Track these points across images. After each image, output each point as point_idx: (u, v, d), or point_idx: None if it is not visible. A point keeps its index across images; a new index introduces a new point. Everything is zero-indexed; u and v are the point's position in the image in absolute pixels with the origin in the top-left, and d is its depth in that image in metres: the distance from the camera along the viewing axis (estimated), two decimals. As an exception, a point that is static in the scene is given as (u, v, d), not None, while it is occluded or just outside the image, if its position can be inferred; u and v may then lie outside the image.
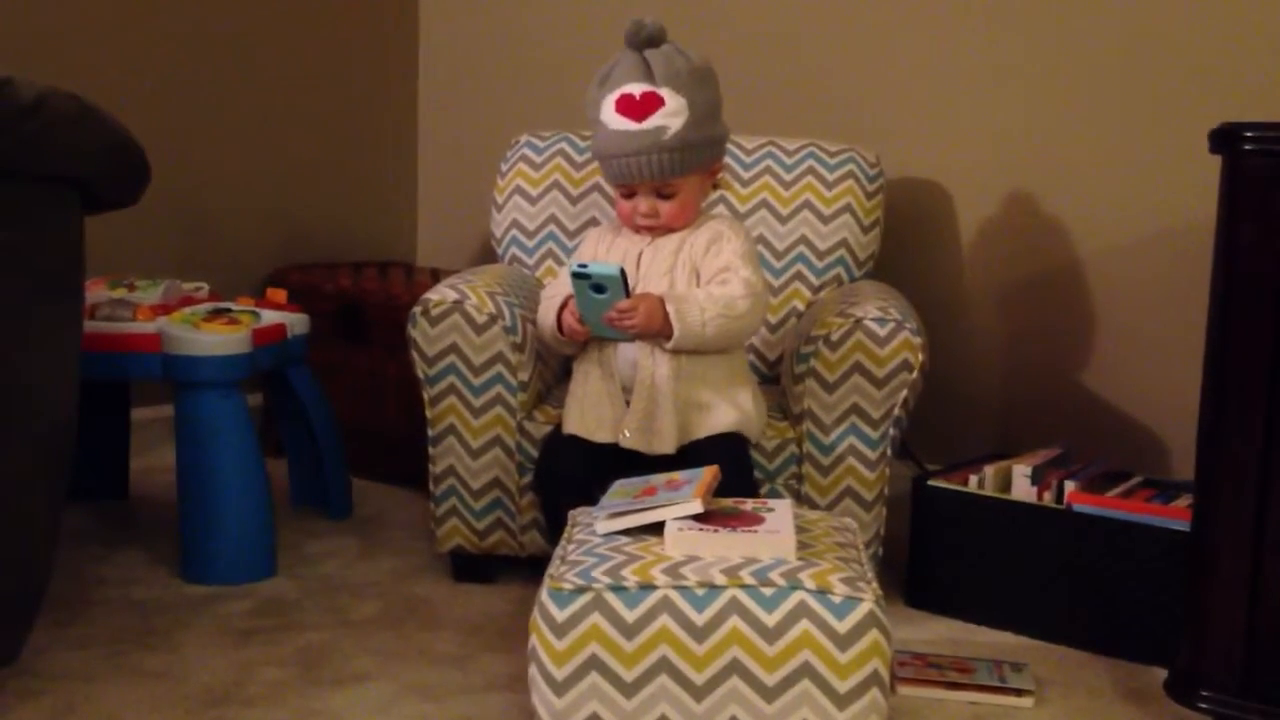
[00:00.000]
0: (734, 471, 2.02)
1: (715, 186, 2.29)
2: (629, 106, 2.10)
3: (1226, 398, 1.85)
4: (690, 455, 2.05)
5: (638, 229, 2.19)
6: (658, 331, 2.05)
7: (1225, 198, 1.83)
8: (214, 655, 2.01)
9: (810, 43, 2.93)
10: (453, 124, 3.59)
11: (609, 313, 2.03)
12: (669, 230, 2.17)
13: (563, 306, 2.14)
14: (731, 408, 2.12)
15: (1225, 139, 1.81)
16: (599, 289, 2.02)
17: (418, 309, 2.26)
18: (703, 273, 2.14)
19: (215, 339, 2.28)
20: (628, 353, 2.12)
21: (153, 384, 2.39)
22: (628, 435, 2.07)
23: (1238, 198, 1.81)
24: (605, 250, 2.22)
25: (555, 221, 2.59)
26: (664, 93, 2.08)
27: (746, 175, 2.58)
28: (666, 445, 2.06)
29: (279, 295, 2.66)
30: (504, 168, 2.67)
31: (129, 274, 2.64)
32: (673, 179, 2.12)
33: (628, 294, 2.02)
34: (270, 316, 2.48)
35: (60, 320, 1.85)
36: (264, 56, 3.31)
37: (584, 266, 2.02)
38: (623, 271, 2.01)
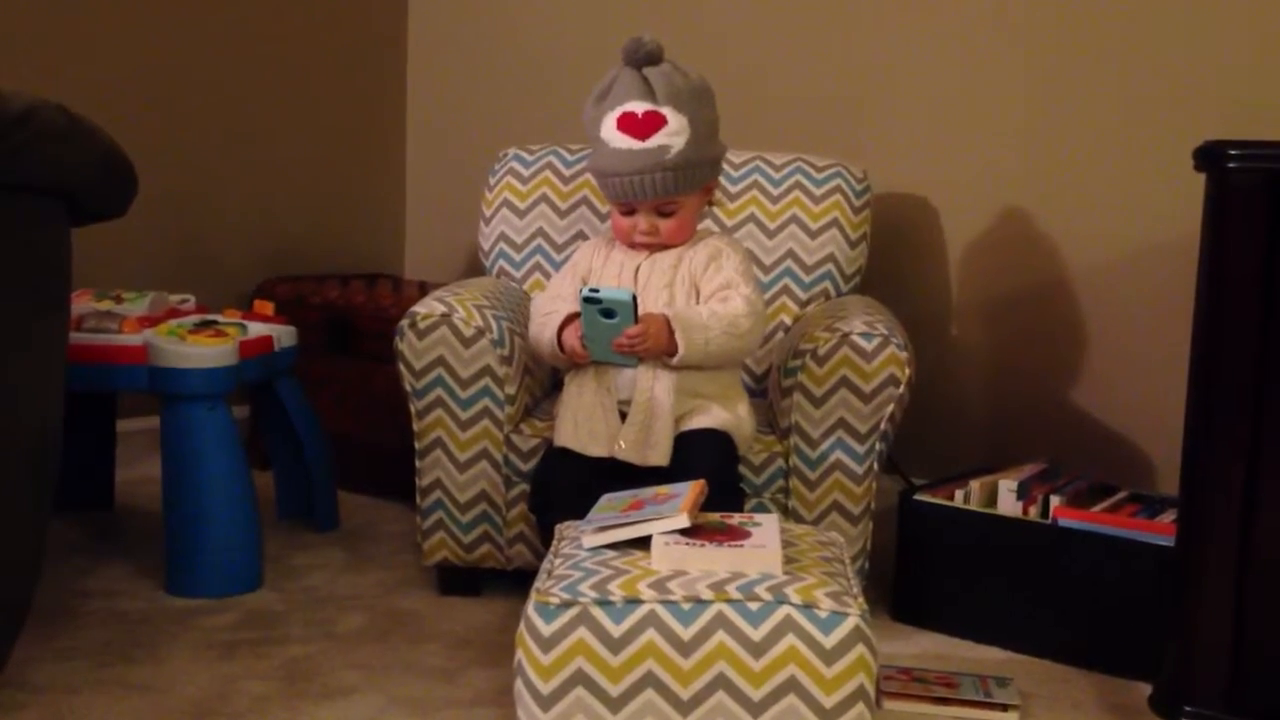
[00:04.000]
0: (718, 465, 2.04)
1: (710, 204, 2.30)
2: (631, 125, 2.10)
3: (1211, 412, 1.85)
4: (677, 447, 2.06)
5: (635, 245, 2.19)
6: (662, 351, 2.06)
7: (1210, 214, 1.84)
8: (199, 668, 2.00)
9: (798, 58, 2.94)
10: (440, 136, 3.59)
11: (619, 339, 2.03)
12: (666, 247, 2.18)
13: (563, 325, 2.13)
14: (724, 411, 2.13)
15: (1210, 156, 1.82)
16: (608, 314, 2.01)
17: (405, 322, 2.26)
18: (703, 289, 2.15)
19: (201, 351, 2.28)
20: (626, 368, 2.11)
21: (138, 395, 2.38)
22: (623, 446, 2.07)
23: (1222, 214, 1.82)
24: (602, 263, 2.22)
25: (543, 235, 2.60)
26: (666, 111, 2.09)
27: (734, 189, 2.58)
28: (661, 458, 2.06)
29: (266, 307, 2.65)
30: (492, 180, 2.67)
31: (115, 286, 2.64)
32: (674, 197, 2.13)
33: (636, 319, 2.03)
34: (257, 329, 2.48)
35: (46, 332, 1.85)
36: (251, 68, 3.31)
37: (595, 291, 2.01)
38: (634, 297, 2.01)
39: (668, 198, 2.12)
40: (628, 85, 2.10)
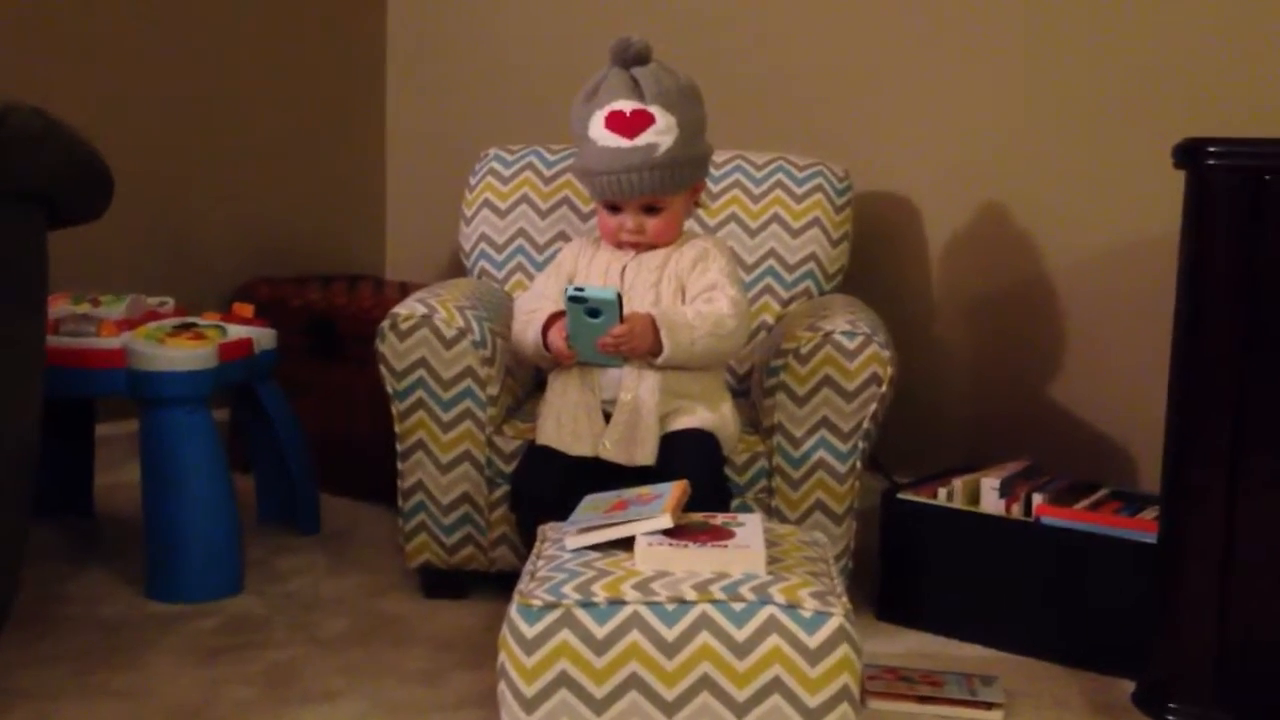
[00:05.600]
0: (703, 465, 2.04)
1: (697, 204, 2.30)
2: (620, 124, 2.09)
3: (1192, 409, 1.86)
4: (663, 448, 2.05)
5: (621, 245, 2.18)
6: (647, 351, 2.06)
7: (1189, 212, 1.85)
8: (180, 674, 1.99)
9: (780, 57, 2.94)
10: (421, 137, 3.58)
11: (604, 338, 2.03)
12: (652, 247, 2.18)
13: (547, 325, 2.12)
14: (709, 411, 2.13)
15: (1189, 154, 1.83)
16: (593, 313, 2.01)
17: (386, 323, 2.25)
18: (689, 289, 2.15)
19: (180, 354, 2.27)
20: (610, 367, 2.11)
21: (118, 399, 2.36)
22: (608, 446, 2.07)
23: (1201, 212, 1.83)
24: (588, 263, 2.22)
25: (524, 235, 2.59)
26: (654, 110, 2.08)
27: (716, 188, 2.58)
28: (647, 457, 2.06)
29: (246, 310, 2.64)
30: (472, 181, 2.67)
31: (93, 289, 2.62)
32: (662, 196, 2.12)
33: (621, 318, 2.02)
34: (237, 331, 2.46)
35: (22, 336, 1.83)
36: (230, 69, 3.29)
37: (580, 290, 2.00)
38: (619, 296, 2.00)
39: (656, 196, 2.12)
40: (616, 84, 2.10)
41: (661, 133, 2.09)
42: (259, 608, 2.27)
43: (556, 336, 2.10)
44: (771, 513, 2.22)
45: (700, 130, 2.17)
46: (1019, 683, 2.06)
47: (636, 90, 2.09)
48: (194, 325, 2.42)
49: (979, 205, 2.71)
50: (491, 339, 2.26)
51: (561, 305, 2.06)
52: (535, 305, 2.17)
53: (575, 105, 2.15)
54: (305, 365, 2.97)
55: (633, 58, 2.11)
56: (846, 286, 2.58)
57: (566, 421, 2.11)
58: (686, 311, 2.09)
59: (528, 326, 2.16)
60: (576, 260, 2.24)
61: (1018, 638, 2.18)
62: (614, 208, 2.16)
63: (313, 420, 2.83)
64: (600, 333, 2.02)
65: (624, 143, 2.09)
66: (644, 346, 2.05)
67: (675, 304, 2.14)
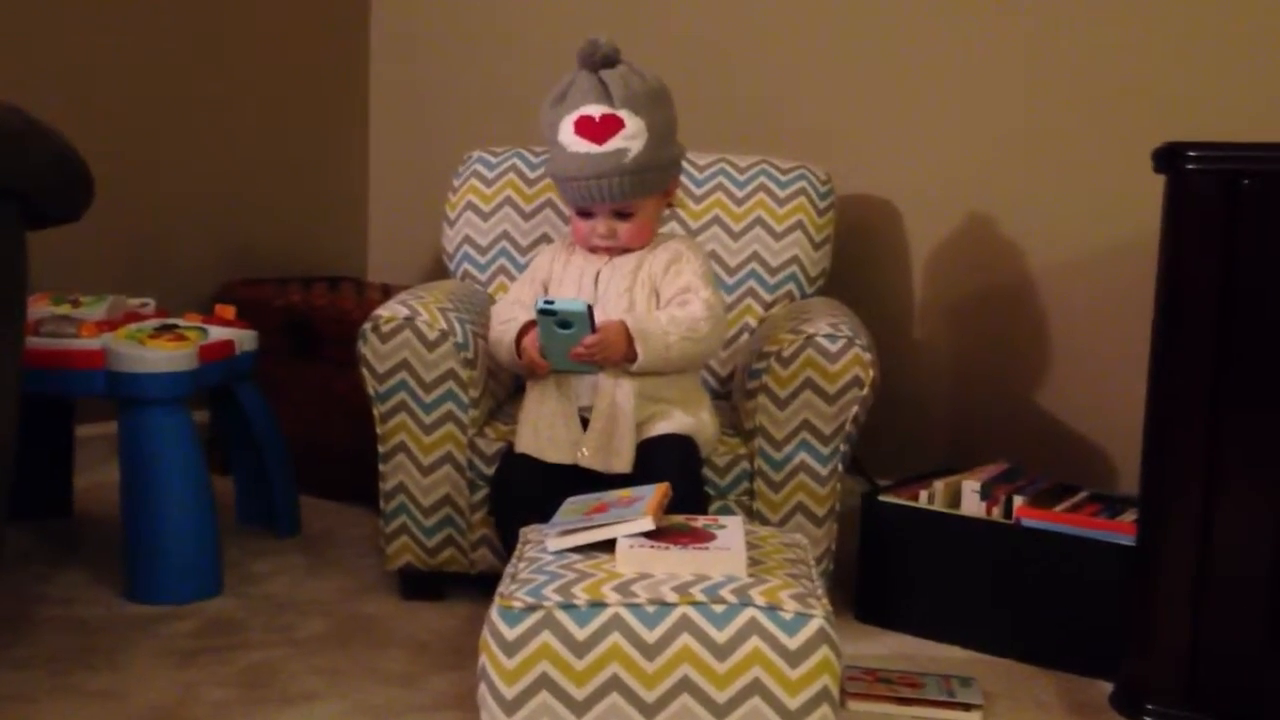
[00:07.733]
0: (681, 469, 2.04)
1: (670, 205, 2.30)
2: (588, 129, 2.09)
3: (1170, 412, 1.87)
4: (641, 453, 2.05)
5: (594, 249, 2.18)
6: (621, 358, 2.05)
7: (1168, 216, 1.86)
8: (158, 675, 1.98)
9: (762, 61, 2.95)
10: (404, 139, 3.58)
11: (576, 348, 2.02)
12: (626, 250, 2.17)
13: (521, 334, 2.12)
14: (687, 416, 2.13)
15: (1168, 158, 1.84)
16: (564, 324, 2.01)
17: (368, 325, 2.25)
18: (662, 293, 2.15)
19: (160, 355, 2.26)
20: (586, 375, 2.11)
21: (97, 400, 2.36)
22: (585, 454, 2.07)
23: (1180, 216, 1.84)
24: (562, 267, 2.22)
25: (507, 237, 2.59)
26: (623, 114, 2.08)
27: (698, 192, 2.58)
28: (624, 465, 2.06)
29: (227, 311, 2.63)
30: (456, 183, 2.66)
31: (73, 289, 2.61)
32: (633, 201, 2.12)
33: (593, 328, 2.02)
34: (218, 333, 2.46)
35: (1, 336, 1.82)
36: (213, 69, 3.28)
37: (550, 303, 2.00)
38: (589, 308, 2.00)
39: (626, 201, 2.12)
40: (584, 88, 2.09)
41: (631, 137, 2.08)
42: (237, 609, 2.26)
43: (530, 347, 2.10)
44: (753, 515, 2.22)
45: (671, 133, 2.17)
46: (997, 684, 2.06)
47: (605, 94, 2.09)
48: (175, 326, 2.41)
49: (961, 209, 2.72)
50: (474, 341, 2.25)
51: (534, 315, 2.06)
52: (511, 314, 2.17)
53: (544, 109, 2.15)
54: (286, 367, 2.97)
55: (600, 60, 2.10)
56: (829, 289, 2.59)
57: (544, 429, 2.11)
58: (660, 317, 2.09)
59: (503, 336, 2.16)
60: (551, 266, 2.24)
61: (997, 639, 2.18)
62: (586, 213, 2.16)
63: (292, 422, 2.83)
64: (573, 343, 2.02)
65: (593, 148, 2.08)
66: (617, 355, 2.05)
67: (649, 308, 2.14)
